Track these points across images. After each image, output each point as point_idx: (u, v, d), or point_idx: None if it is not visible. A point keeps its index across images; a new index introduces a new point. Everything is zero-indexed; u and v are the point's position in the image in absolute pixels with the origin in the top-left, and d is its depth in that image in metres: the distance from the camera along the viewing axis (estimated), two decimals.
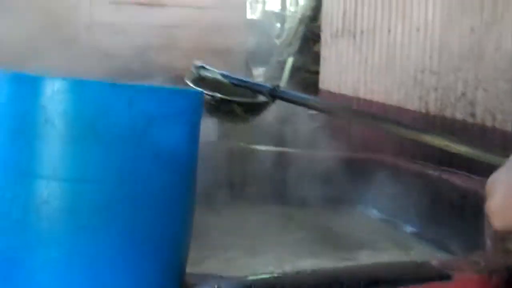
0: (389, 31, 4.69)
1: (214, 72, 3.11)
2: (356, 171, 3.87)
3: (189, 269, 1.75)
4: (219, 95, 2.90)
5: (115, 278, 1.52)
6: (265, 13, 14.33)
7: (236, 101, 2.94)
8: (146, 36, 4.99)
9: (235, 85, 2.97)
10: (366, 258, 2.93)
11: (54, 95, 1.41)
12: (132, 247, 1.51)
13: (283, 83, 6.96)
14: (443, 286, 1.89)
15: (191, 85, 2.97)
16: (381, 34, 4.75)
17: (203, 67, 3.13)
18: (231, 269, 2.74)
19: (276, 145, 4.59)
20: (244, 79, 3.19)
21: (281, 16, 13.13)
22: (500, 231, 1.32)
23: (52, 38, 4.55)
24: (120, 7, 4.86)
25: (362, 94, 4.92)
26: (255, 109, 3.11)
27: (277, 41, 9.52)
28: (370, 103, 4.81)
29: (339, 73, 5.27)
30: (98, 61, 4.86)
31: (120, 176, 1.47)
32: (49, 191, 1.45)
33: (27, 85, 1.47)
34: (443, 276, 1.93)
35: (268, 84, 3.03)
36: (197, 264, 2.29)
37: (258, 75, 10.07)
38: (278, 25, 12.31)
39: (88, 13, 4.77)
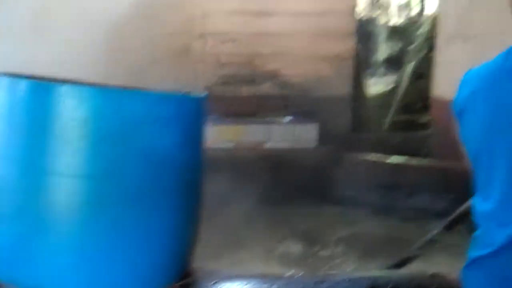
0: (501, 34, 4.48)
1: None
2: None
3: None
4: None
5: (108, 265, 1.69)
6: (410, 18, 13.98)
7: None
8: (256, 44, 5.18)
9: None
10: None
11: (52, 100, 1.61)
12: (122, 238, 1.67)
13: (401, 89, 6.85)
14: None
15: None
16: (494, 38, 4.55)
17: None
18: None
19: None
20: None
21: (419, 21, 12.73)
22: None
23: (167, 47, 4.90)
24: (231, 17, 5.08)
25: None
26: None
27: (411, 47, 9.30)
28: None
29: (452, 79, 5.09)
30: (209, 69, 5.15)
31: (109, 172, 1.63)
32: (51, 185, 1.65)
33: (33, 91, 1.69)
34: None
35: None
36: None
37: (391, 81, 9.91)
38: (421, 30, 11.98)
39: (201, 23, 5.06)
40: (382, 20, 13.23)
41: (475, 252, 1.49)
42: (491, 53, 5.34)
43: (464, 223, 2.73)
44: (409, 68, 6.89)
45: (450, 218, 2.85)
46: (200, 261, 2.32)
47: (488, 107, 1.47)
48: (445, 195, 4.08)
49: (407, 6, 14.77)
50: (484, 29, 4.63)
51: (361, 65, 5.68)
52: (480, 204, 1.49)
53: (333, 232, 3.77)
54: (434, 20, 7.28)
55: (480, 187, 1.50)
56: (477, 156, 1.49)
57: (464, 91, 1.55)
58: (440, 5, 5.50)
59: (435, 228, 2.91)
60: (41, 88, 1.71)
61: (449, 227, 2.84)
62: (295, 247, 3.56)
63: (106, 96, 1.65)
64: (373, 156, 4.74)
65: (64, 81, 1.97)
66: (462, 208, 2.72)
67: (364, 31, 10.79)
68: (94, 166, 1.67)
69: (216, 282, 1.92)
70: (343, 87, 5.34)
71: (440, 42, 5.36)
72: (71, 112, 1.66)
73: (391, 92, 7.63)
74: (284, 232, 3.78)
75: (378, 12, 13.38)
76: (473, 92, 1.51)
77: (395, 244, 3.59)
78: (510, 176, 1.42)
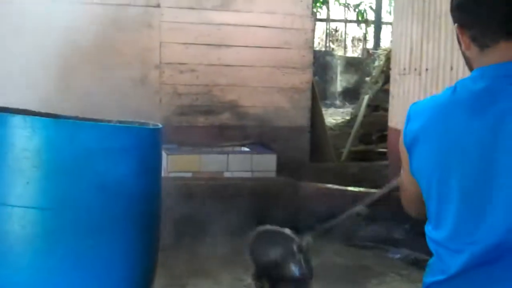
0: (451, 68, 4.61)
1: None
2: None
3: None
4: None
5: None
6: (365, 51, 14.35)
7: None
8: (214, 75, 5.20)
9: None
10: None
11: (4, 131, 1.58)
12: (78, 270, 1.64)
13: (358, 120, 6.96)
14: None
15: None
16: (444, 71, 4.68)
17: None
18: None
19: None
20: None
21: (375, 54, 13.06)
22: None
23: (124, 77, 4.89)
24: (189, 47, 5.11)
25: None
26: None
27: (367, 79, 9.51)
28: None
29: (406, 110, 5.20)
30: (167, 99, 5.15)
31: (63, 204, 1.61)
32: (4, 217, 1.62)
33: None
34: None
35: None
36: None
37: (347, 112, 10.08)
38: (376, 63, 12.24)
39: (158, 54, 5.06)
40: (339, 53, 13.47)
41: (429, 278, 1.52)
42: (441, 86, 5.52)
43: (385, 202, 2.86)
44: (366, 99, 7.01)
45: (372, 196, 2.96)
46: None
47: (439, 137, 1.50)
48: (401, 224, 4.15)
49: (363, 39, 15.11)
50: (435, 63, 4.76)
51: (319, 96, 5.75)
52: (433, 232, 1.52)
53: None
54: (389, 53, 7.47)
55: (432, 215, 1.53)
56: (429, 185, 1.52)
57: (414, 123, 1.58)
58: (393, 39, 5.64)
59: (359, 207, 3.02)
60: None
61: (370, 205, 2.97)
62: None
63: (59, 127, 1.64)
64: (331, 186, 4.78)
65: (16, 112, 1.94)
66: (384, 188, 2.84)
67: (321, 63, 10.99)
68: (48, 198, 1.65)
69: None
70: (301, 118, 5.39)
71: (394, 74, 5.48)
72: (23, 143, 1.64)
73: (349, 122, 7.77)
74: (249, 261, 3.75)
75: (335, 45, 13.62)
76: (424, 123, 1.54)
77: (357, 272, 3.66)
78: (461, 205, 1.45)
